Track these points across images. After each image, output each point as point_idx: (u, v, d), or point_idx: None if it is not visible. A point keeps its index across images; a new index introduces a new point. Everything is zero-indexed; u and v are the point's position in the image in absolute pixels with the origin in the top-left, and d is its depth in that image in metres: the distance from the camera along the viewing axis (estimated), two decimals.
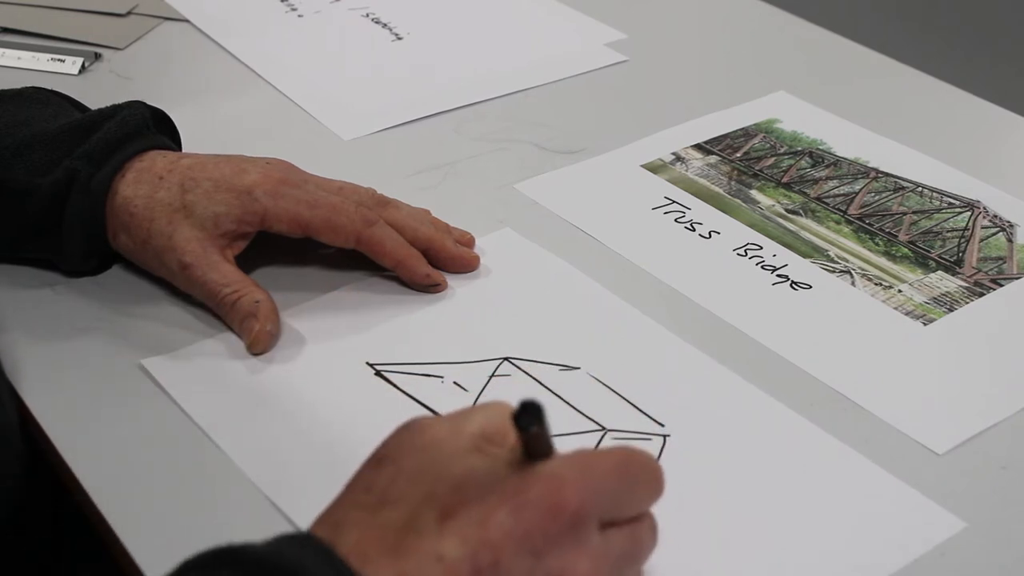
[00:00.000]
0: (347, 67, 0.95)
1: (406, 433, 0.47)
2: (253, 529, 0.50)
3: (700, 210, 0.78)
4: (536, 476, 0.44)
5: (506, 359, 0.64)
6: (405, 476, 0.45)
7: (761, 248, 0.74)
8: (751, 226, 0.76)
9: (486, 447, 0.46)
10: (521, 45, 0.99)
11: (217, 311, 0.66)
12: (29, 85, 0.74)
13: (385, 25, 1.02)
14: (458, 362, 0.64)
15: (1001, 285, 0.72)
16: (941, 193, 0.80)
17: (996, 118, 0.91)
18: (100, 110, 0.70)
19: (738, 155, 0.84)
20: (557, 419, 0.60)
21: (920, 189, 0.81)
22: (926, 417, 0.62)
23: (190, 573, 0.43)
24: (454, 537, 0.43)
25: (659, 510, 0.56)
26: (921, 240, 0.76)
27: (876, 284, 0.71)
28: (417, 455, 0.46)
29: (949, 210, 0.79)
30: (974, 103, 0.92)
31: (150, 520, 0.55)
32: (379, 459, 0.47)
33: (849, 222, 0.77)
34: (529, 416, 0.44)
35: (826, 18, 1.05)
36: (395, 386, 0.63)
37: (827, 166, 0.83)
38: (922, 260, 0.74)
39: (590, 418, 0.61)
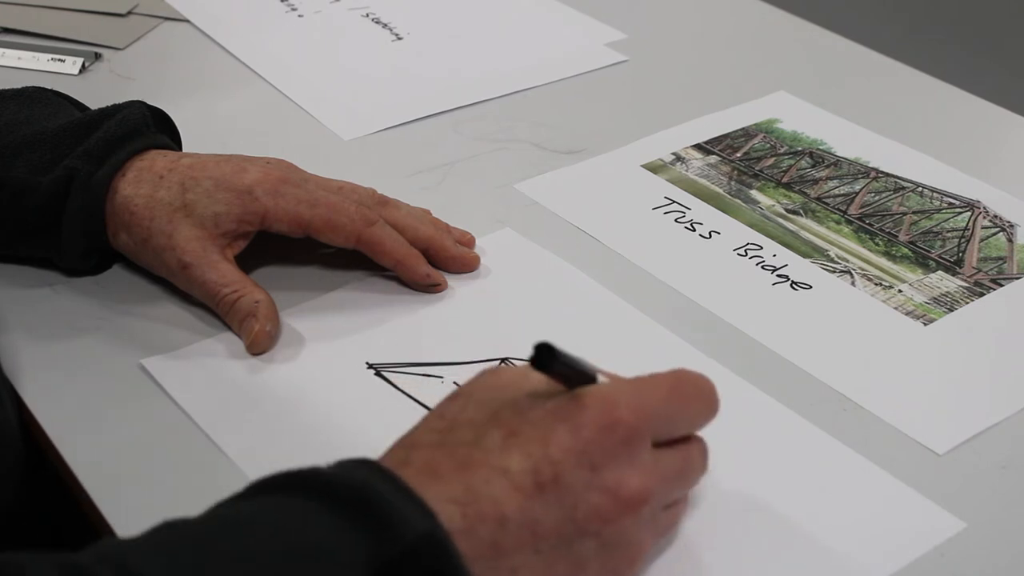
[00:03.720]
0: (347, 67, 0.95)
1: (484, 374, 0.51)
2: None
3: (700, 210, 0.78)
4: (592, 397, 0.48)
5: (506, 359, 0.64)
6: (474, 403, 0.49)
7: (761, 248, 0.74)
8: (751, 226, 0.76)
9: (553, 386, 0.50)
10: (521, 45, 0.99)
11: (217, 311, 0.66)
12: (29, 85, 0.74)
13: (385, 25, 1.02)
14: (458, 362, 0.64)
15: (1001, 285, 0.72)
16: (941, 193, 0.80)
17: (996, 118, 0.91)
18: (100, 109, 0.70)
19: (738, 155, 0.84)
20: None
21: (920, 189, 0.81)
22: (926, 417, 0.62)
23: (258, 496, 0.45)
24: (518, 453, 0.47)
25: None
26: (921, 240, 0.76)
27: (876, 284, 0.71)
28: (488, 389, 0.50)
29: (949, 210, 0.79)
30: (974, 103, 0.92)
31: (150, 520, 0.54)
32: (456, 395, 0.51)
33: (849, 222, 0.77)
34: (543, 357, 0.46)
35: (826, 18, 1.05)
36: (395, 386, 0.63)
37: (827, 166, 0.83)
38: (922, 260, 0.74)
39: None
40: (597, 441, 0.47)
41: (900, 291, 0.71)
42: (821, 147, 0.85)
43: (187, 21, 1.02)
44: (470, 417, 0.49)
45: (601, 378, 0.50)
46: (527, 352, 0.65)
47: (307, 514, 0.43)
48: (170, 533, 0.43)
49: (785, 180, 0.82)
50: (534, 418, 0.48)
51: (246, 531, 0.43)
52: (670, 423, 0.50)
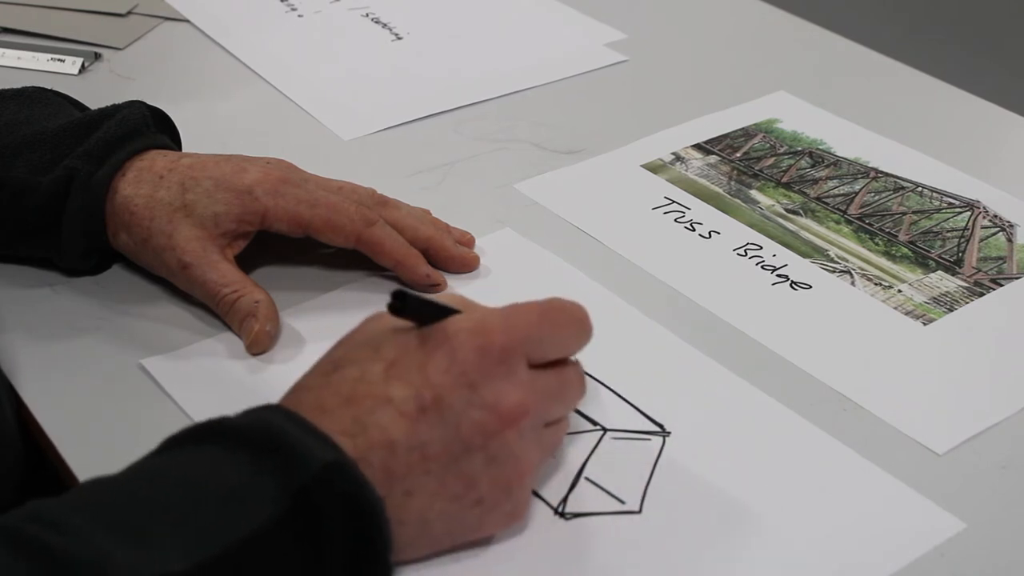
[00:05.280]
0: (347, 67, 0.95)
1: (366, 320, 0.54)
2: None
3: (700, 210, 0.78)
4: (465, 321, 0.51)
5: None
6: (356, 344, 0.53)
7: (761, 248, 0.74)
8: (751, 226, 0.76)
9: None
10: (521, 45, 0.99)
11: (216, 311, 0.66)
12: (29, 85, 0.74)
13: (385, 25, 1.02)
14: None
15: (1001, 285, 0.72)
16: (941, 193, 0.80)
17: (996, 118, 0.91)
18: (100, 109, 0.70)
19: (738, 155, 0.84)
20: None
21: (920, 189, 0.81)
22: (926, 417, 0.62)
23: (172, 449, 0.48)
24: (399, 381, 0.50)
25: (658, 509, 0.56)
26: (921, 240, 0.76)
27: (876, 284, 0.71)
28: (369, 331, 0.53)
29: (949, 210, 0.79)
30: (974, 103, 0.92)
31: None
32: (342, 340, 0.54)
33: (849, 222, 0.77)
34: (397, 303, 0.50)
35: (826, 18, 1.05)
36: None
37: (827, 166, 0.83)
38: (922, 260, 0.74)
39: (589, 418, 0.61)
40: (473, 361, 0.50)
41: (900, 291, 0.71)
42: (821, 147, 0.85)
43: (187, 21, 1.02)
44: (353, 356, 0.52)
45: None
46: None
47: (219, 460, 0.46)
48: (92, 488, 0.46)
49: (785, 180, 0.82)
50: (412, 347, 0.51)
51: (163, 481, 0.46)
52: (543, 344, 0.53)
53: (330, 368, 0.52)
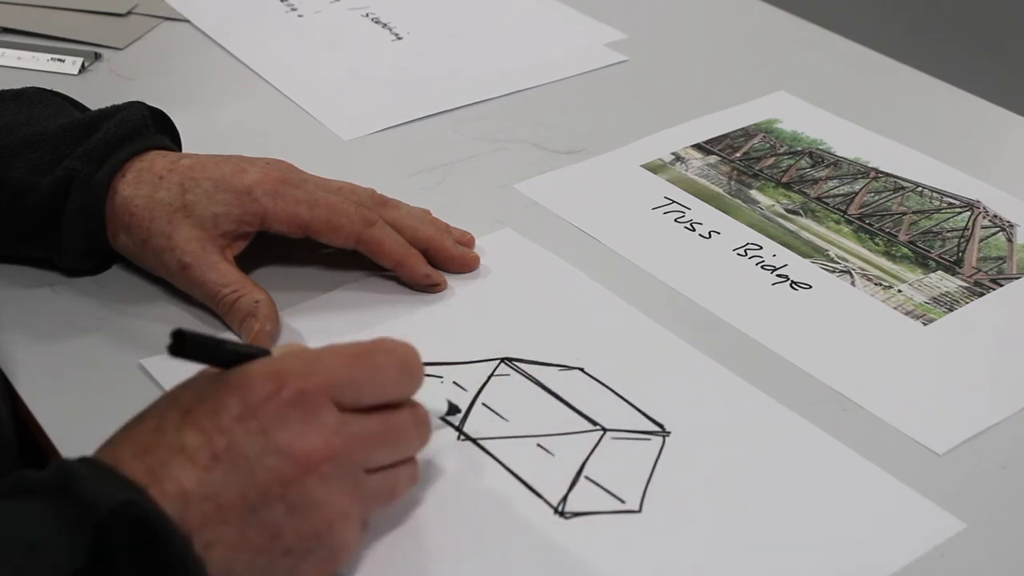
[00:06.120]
0: (347, 67, 0.95)
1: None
2: None
3: (700, 210, 0.78)
4: (260, 366, 0.49)
5: (505, 359, 0.64)
6: (165, 397, 0.50)
7: (761, 248, 0.74)
8: (751, 226, 0.76)
9: None
10: (521, 45, 0.99)
11: (216, 311, 0.66)
12: (29, 85, 0.74)
13: (385, 25, 1.02)
14: (457, 362, 0.64)
15: (1001, 285, 0.72)
16: (941, 193, 0.80)
17: (996, 118, 0.91)
18: (100, 110, 0.70)
19: (738, 155, 0.84)
20: (556, 419, 0.60)
21: (920, 189, 0.81)
22: (926, 417, 0.62)
23: None
24: (192, 429, 0.48)
25: (658, 509, 0.56)
26: (921, 240, 0.76)
27: (876, 284, 0.71)
28: (179, 384, 0.51)
29: (949, 210, 0.79)
30: (974, 103, 0.92)
31: None
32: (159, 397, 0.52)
33: (849, 222, 0.77)
34: (177, 346, 0.48)
35: (826, 18, 1.05)
36: None
37: (827, 166, 0.83)
38: (922, 260, 0.74)
39: (589, 418, 0.61)
40: (265, 406, 0.48)
41: (900, 291, 0.71)
42: (821, 147, 0.85)
43: (187, 21, 1.02)
44: (155, 405, 0.50)
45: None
46: (527, 352, 0.65)
47: (16, 512, 0.44)
48: None
49: (785, 180, 0.82)
50: (206, 394, 0.49)
51: None
52: (355, 388, 0.50)
53: (134, 421, 0.50)
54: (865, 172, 0.83)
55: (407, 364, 0.52)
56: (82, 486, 0.44)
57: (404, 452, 0.53)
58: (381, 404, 0.51)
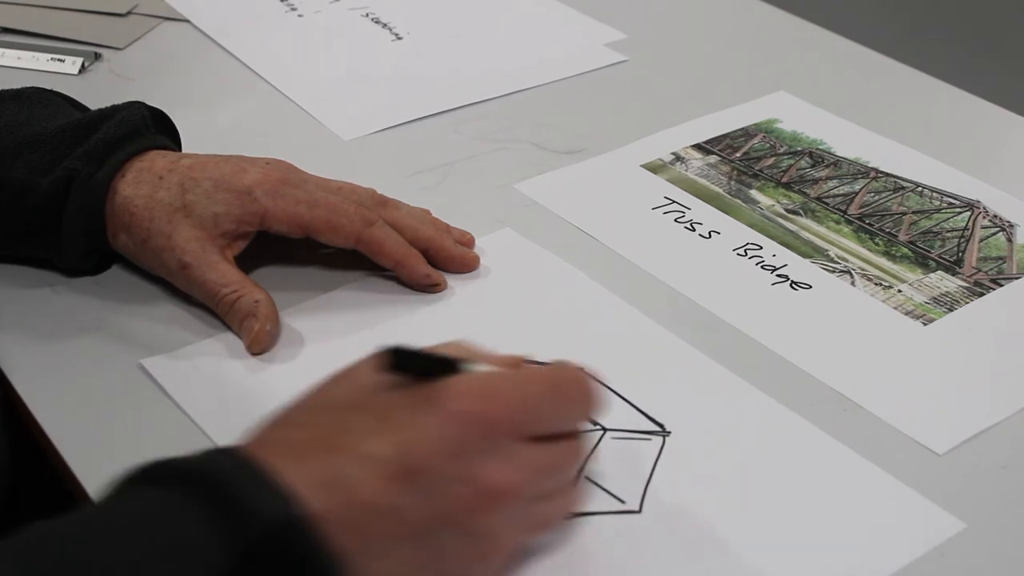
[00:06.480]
0: (347, 67, 0.95)
1: (361, 360, 0.50)
2: None
3: (700, 210, 0.78)
4: (464, 386, 0.47)
5: None
6: (347, 388, 0.49)
7: (761, 248, 0.74)
8: (751, 226, 0.76)
9: None
10: (521, 45, 0.99)
11: (216, 311, 0.66)
12: (29, 85, 0.74)
13: (385, 25, 1.02)
14: None
15: (1001, 285, 0.72)
16: (941, 193, 0.80)
17: (996, 118, 0.91)
18: (100, 110, 0.70)
19: (738, 155, 0.84)
20: None
21: (920, 189, 0.81)
22: (926, 417, 0.62)
23: (118, 493, 0.44)
24: (384, 439, 0.46)
25: (658, 509, 0.56)
26: (921, 240, 0.76)
27: (876, 284, 0.71)
28: (363, 375, 0.49)
29: (949, 210, 0.79)
30: (974, 103, 0.92)
31: None
32: (331, 378, 0.50)
33: (849, 222, 0.77)
34: (396, 359, 0.47)
35: (826, 18, 1.05)
36: None
37: (827, 166, 0.83)
38: (922, 260, 0.74)
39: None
40: (465, 431, 0.46)
41: (900, 291, 0.71)
42: (821, 147, 0.85)
43: (187, 21, 1.02)
44: (341, 401, 0.48)
45: (481, 367, 0.50)
46: (526, 352, 0.65)
47: (164, 510, 0.43)
48: (31, 538, 0.42)
49: (785, 180, 0.82)
50: (403, 404, 0.47)
51: (105, 534, 0.42)
52: (547, 420, 0.50)
53: (313, 408, 0.49)
54: (865, 172, 0.83)
55: (590, 398, 0.51)
56: (240, 497, 0.42)
57: (565, 481, 0.52)
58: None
